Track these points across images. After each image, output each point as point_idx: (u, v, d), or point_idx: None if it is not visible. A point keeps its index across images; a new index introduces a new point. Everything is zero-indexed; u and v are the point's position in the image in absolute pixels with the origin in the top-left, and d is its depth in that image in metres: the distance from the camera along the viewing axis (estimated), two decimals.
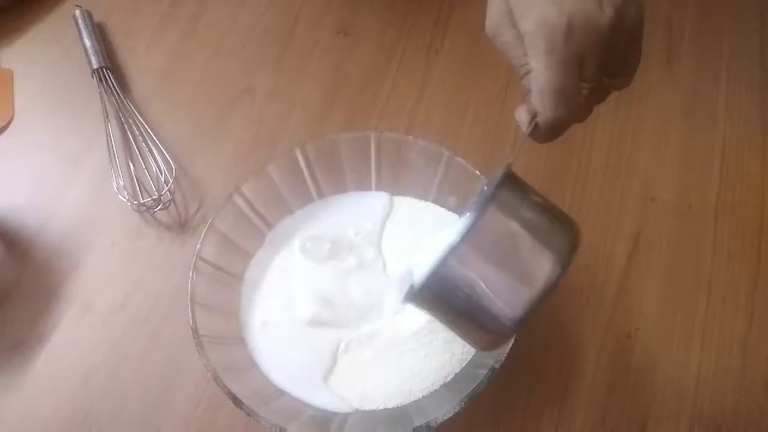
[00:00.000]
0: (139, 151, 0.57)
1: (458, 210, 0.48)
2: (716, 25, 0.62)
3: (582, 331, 0.49)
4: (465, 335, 0.35)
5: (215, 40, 0.64)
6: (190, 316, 0.42)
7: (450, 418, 0.39)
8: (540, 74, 0.31)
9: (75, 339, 0.50)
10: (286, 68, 0.62)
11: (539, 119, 0.33)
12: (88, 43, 0.62)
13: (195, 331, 0.42)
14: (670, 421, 0.46)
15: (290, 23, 0.65)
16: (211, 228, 0.46)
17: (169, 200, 0.54)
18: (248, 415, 0.39)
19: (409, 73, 0.61)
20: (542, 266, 0.31)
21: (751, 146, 0.55)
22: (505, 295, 0.31)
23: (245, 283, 0.48)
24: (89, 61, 0.61)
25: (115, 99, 0.59)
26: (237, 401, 0.39)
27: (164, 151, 0.56)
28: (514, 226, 0.32)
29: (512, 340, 0.39)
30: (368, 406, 0.43)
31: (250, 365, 0.45)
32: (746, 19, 0.62)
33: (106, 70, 0.61)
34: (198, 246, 0.45)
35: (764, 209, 0.53)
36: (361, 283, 0.47)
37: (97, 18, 0.65)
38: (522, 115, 0.34)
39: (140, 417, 0.47)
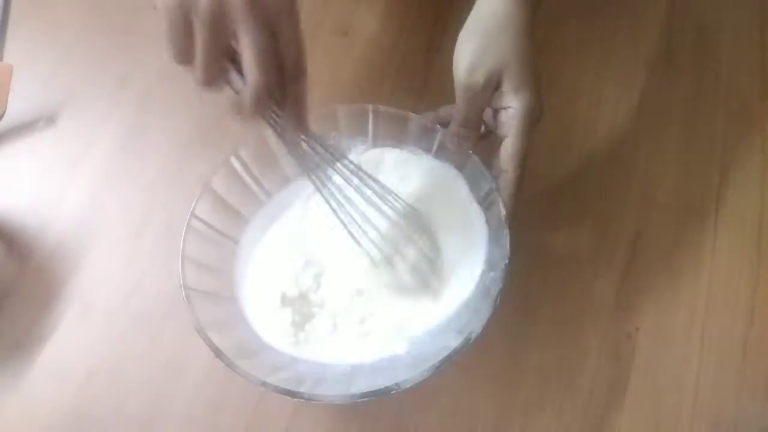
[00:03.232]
0: None
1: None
2: (716, 25, 0.62)
3: (582, 331, 0.49)
4: None
5: None
6: (180, 271, 0.43)
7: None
8: (527, 103, 0.45)
9: (75, 339, 0.50)
10: None
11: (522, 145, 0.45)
12: None
13: (184, 285, 0.43)
14: (670, 420, 0.46)
15: None
16: (207, 189, 0.47)
17: None
18: (227, 366, 0.40)
19: (409, 74, 0.61)
20: None
21: (751, 146, 0.55)
22: None
23: (242, 246, 0.49)
24: None
25: None
26: (219, 353, 0.40)
27: None
28: None
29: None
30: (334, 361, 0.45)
31: (236, 320, 0.46)
32: (746, 18, 0.62)
33: None
34: (193, 205, 0.46)
35: (764, 209, 0.53)
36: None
37: None
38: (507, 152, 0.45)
39: (140, 416, 0.48)
